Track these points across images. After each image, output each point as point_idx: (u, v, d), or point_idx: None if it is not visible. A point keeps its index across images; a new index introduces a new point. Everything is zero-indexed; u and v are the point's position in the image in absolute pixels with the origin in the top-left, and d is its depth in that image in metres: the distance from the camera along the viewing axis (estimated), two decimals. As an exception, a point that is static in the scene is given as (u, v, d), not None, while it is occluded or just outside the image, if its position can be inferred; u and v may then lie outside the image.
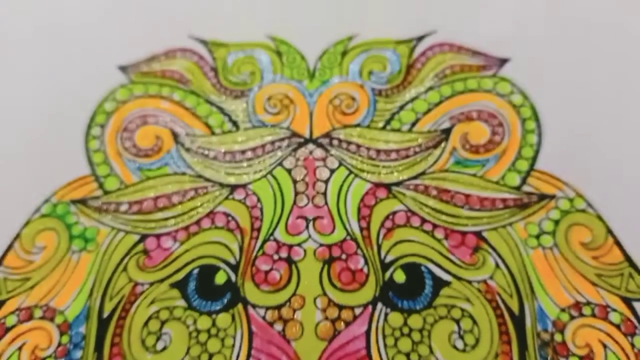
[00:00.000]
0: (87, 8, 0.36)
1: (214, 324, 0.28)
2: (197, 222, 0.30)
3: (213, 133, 0.33)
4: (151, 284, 0.29)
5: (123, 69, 0.35)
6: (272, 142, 0.32)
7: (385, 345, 0.27)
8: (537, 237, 0.30)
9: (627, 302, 0.28)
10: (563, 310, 0.28)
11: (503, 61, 0.34)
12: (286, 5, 0.36)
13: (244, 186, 0.31)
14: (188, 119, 0.33)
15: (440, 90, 0.34)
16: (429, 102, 0.33)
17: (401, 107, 0.33)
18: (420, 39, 0.35)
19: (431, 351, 0.27)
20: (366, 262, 0.29)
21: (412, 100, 0.33)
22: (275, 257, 0.30)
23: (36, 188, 0.31)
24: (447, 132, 0.32)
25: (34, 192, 0.31)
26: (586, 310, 0.28)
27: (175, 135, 0.33)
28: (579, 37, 0.35)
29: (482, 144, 0.32)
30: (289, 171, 0.32)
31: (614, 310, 0.28)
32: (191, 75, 0.35)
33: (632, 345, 0.27)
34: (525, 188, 0.31)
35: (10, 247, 0.30)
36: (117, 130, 0.33)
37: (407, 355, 0.27)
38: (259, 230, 0.30)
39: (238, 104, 0.34)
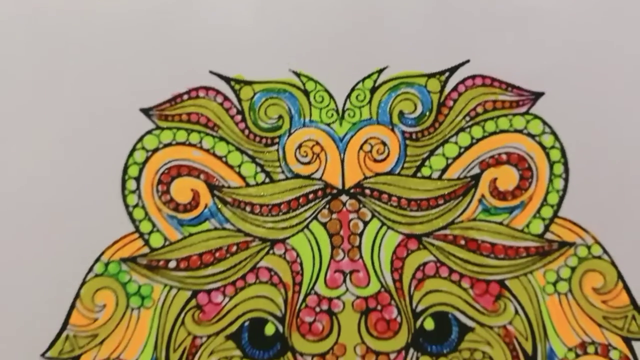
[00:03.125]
0: (103, 50, 0.35)
1: (268, 371, 0.34)
2: (243, 277, 0.34)
3: (247, 184, 0.35)
4: (208, 336, 0.34)
5: (146, 112, 0.35)
6: (307, 195, 0.35)
7: (416, 385, 0.33)
8: (554, 283, 0.34)
9: (627, 341, 0.34)
10: (570, 349, 0.34)
11: (537, 96, 0.35)
12: (311, 37, 0.35)
13: (282, 241, 0.34)
14: (221, 169, 0.35)
15: (471, 132, 0.35)
16: (459, 145, 0.35)
17: (431, 152, 0.35)
18: (452, 70, 0.35)
19: (456, 389, 0.33)
20: (399, 312, 0.34)
21: (443, 143, 0.35)
22: (317, 309, 0.34)
23: (85, 248, 0.34)
24: (476, 178, 0.35)
25: (85, 253, 0.34)
26: (590, 349, 0.34)
27: (211, 188, 0.35)
28: (618, 75, 0.34)
29: (510, 190, 0.35)
30: (324, 225, 0.35)
31: (615, 348, 0.34)
32: (218, 120, 0.35)
33: (626, 380, 0.33)
34: (548, 235, 0.34)
35: (73, 306, 0.34)
36: (152, 184, 0.35)
37: (436, 392, 0.33)
38: (300, 284, 0.34)
39: (269, 153, 0.35)
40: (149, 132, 0.36)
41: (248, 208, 0.35)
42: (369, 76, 0.36)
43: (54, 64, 0.36)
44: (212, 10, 0.37)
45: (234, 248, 0.35)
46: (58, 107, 0.36)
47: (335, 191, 0.35)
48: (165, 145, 0.36)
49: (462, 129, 0.35)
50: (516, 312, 0.34)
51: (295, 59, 0.36)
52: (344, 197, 0.35)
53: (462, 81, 0.36)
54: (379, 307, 0.34)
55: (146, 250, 0.35)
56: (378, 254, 0.35)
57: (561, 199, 0.35)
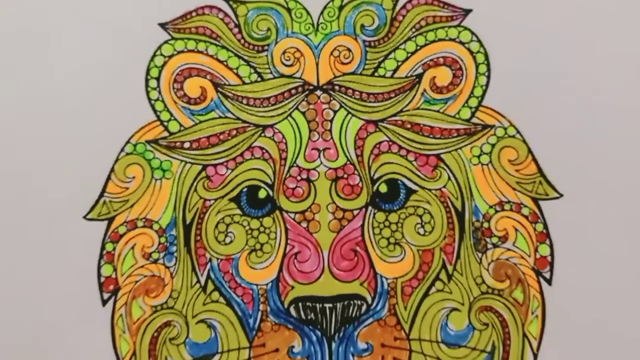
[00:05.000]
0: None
1: (261, 225, 0.45)
2: (241, 154, 0.45)
3: (244, 83, 0.45)
4: (215, 199, 0.44)
5: (163, 26, 0.45)
6: (290, 90, 0.45)
7: (373, 234, 0.44)
8: (478, 156, 0.45)
9: (535, 201, 0.45)
10: (491, 207, 0.45)
11: (467, 12, 0.45)
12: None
13: (271, 126, 0.45)
14: (223, 71, 0.46)
15: (416, 40, 0.46)
16: (407, 51, 0.45)
17: (386, 57, 0.45)
18: (402, -8, 0.46)
19: (403, 236, 0.44)
20: (361, 179, 0.45)
21: (394, 50, 0.45)
22: (298, 178, 0.45)
23: (117, 133, 0.45)
24: (420, 76, 0.45)
25: (116, 136, 0.45)
26: (506, 207, 0.45)
27: (215, 85, 0.44)
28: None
29: (445, 86, 0.46)
30: (303, 113, 0.45)
31: (525, 206, 0.45)
32: (220, 32, 0.45)
33: (534, 229, 0.44)
34: (474, 120, 0.45)
35: (108, 178, 0.45)
36: (169, 82, 0.46)
37: (387, 239, 0.44)
38: (285, 159, 0.45)
39: (260, 58, 0.45)
40: (166, 41, 0.46)
41: (244, 101, 0.46)
42: (337, -4, 0.48)
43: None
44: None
45: (234, 132, 0.46)
46: (95, 23, 0.46)
47: (311, 87, 0.46)
48: (179, 52, 0.46)
49: (409, 38, 0.46)
50: (449, 178, 0.45)
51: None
52: (318, 92, 0.46)
53: (410, 0, 0.47)
54: (345, 176, 0.45)
55: (165, 134, 0.46)
56: (345, 135, 0.46)
57: (484, 92, 0.46)
